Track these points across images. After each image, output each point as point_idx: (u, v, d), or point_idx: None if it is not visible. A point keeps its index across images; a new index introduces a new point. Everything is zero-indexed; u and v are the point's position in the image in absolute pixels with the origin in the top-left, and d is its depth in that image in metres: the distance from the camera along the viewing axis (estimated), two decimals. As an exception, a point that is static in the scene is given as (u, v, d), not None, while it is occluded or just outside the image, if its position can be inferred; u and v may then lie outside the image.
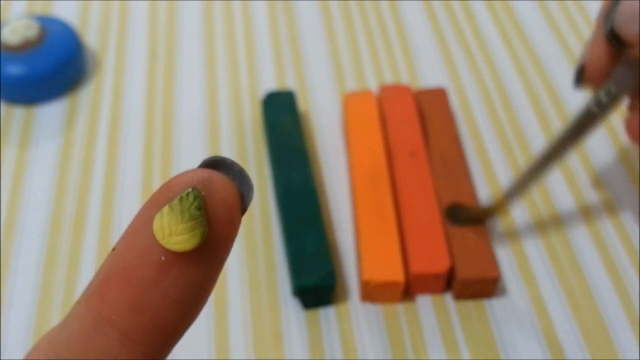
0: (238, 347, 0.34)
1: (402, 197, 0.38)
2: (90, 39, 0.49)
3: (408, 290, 0.36)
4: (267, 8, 0.51)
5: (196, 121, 0.44)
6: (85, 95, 0.45)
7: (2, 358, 0.33)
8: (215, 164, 0.16)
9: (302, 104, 0.44)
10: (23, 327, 0.34)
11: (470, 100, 0.45)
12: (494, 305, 0.35)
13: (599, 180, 0.41)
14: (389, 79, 0.46)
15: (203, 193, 0.15)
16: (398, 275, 0.34)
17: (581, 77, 0.34)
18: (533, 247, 0.38)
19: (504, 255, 0.37)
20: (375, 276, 0.34)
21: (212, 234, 0.15)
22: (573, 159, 0.42)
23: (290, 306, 0.35)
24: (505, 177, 0.41)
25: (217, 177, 0.15)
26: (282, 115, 0.42)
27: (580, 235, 0.38)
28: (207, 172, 0.15)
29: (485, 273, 0.35)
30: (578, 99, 0.44)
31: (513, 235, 0.38)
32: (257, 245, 0.38)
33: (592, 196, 0.40)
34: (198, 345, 0.34)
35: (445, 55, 0.48)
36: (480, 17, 0.51)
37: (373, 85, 0.46)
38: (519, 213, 0.39)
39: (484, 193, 0.40)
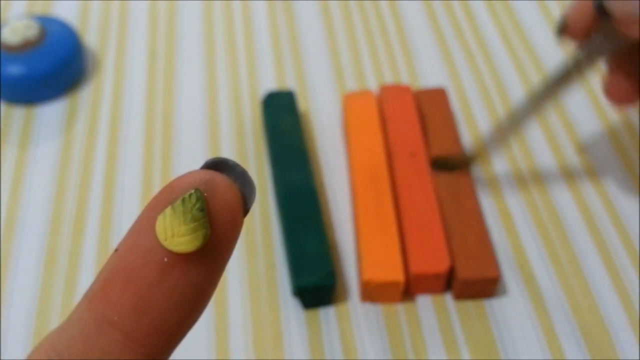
0: (238, 347, 0.34)
1: (402, 197, 0.38)
2: (90, 39, 0.49)
3: (408, 290, 0.36)
4: (267, 8, 0.51)
5: (196, 121, 0.44)
6: (85, 95, 0.45)
7: (2, 358, 0.33)
8: (217, 165, 0.16)
9: (302, 104, 0.44)
10: (23, 327, 0.34)
11: (470, 100, 0.45)
12: (494, 305, 0.35)
13: (599, 180, 0.41)
14: (389, 79, 0.46)
15: (205, 194, 0.15)
16: (398, 275, 0.34)
17: (563, 31, 0.36)
18: (533, 247, 0.38)
19: (504, 255, 0.37)
20: (375, 276, 0.34)
21: (215, 236, 0.15)
22: (573, 158, 0.42)
23: (290, 306, 0.35)
24: (505, 177, 0.41)
25: (219, 179, 0.15)
26: (282, 115, 0.42)
27: (580, 236, 0.38)
28: (210, 174, 0.15)
29: (485, 273, 0.35)
30: (578, 99, 0.44)
31: (513, 235, 0.38)
32: (257, 245, 0.38)
33: (592, 196, 0.40)
34: (198, 346, 0.34)
35: (445, 55, 0.48)
36: (480, 17, 0.51)
37: (373, 85, 0.46)
38: (519, 213, 0.39)
39: (484, 193, 0.40)
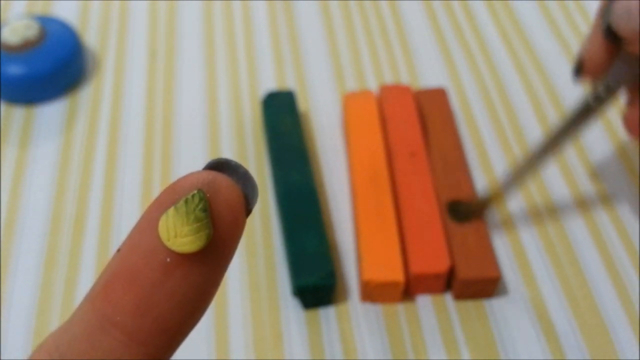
0: (238, 347, 0.34)
1: (402, 197, 0.38)
2: (90, 39, 0.49)
3: (408, 290, 0.36)
4: (267, 8, 0.51)
5: (196, 121, 0.44)
6: (85, 95, 0.45)
7: (2, 358, 0.33)
8: (220, 166, 0.16)
9: (302, 104, 0.44)
10: (23, 327, 0.34)
11: (470, 100, 0.45)
12: (494, 305, 0.35)
13: (600, 181, 0.41)
14: (389, 79, 0.46)
15: (208, 195, 0.15)
16: (398, 275, 0.34)
17: (580, 70, 0.35)
18: (533, 247, 0.38)
19: (504, 255, 0.37)
20: (375, 276, 0.34)
21: (217, 236, 0.15)
22: (574, 160, 0.42)
23: (290, 306, 0.35)
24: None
25: (221, 180, 0.15)
26: (282, 115, 0.42)
27: (580, 235, 0.38)
28: (212, 174, 0.15)
29: (485, 273, 0.35)
30: (577, 99, 0.44)
31: (513, 235, 0.38)
32: (257, 245, 0.38)
33: (592, 196, 0.40)
34: (198, 346, 0.34)
35: (445, 55, 0.48)
36: (480, 17, 0.51)
37: (373, 85, 0.46)
38: (519, 213, 0.39)
39: (484, 193, 0.40)
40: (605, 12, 0.33)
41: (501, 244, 0.38)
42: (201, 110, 0.44)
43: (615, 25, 0.32)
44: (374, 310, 0.35)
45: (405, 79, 0.46)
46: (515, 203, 0.39)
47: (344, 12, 0.51)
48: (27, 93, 0.44)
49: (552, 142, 0.35)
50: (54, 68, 0.44)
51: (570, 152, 0.42)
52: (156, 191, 0.40)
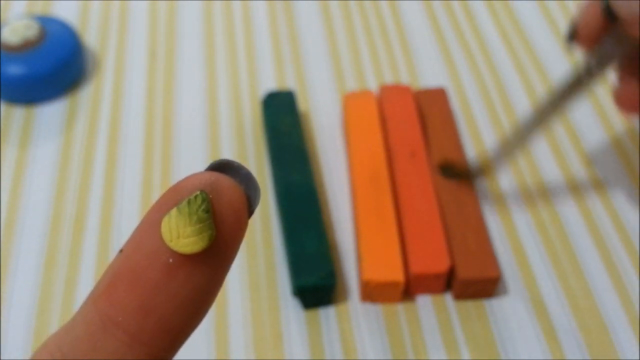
0: (238, 347, 0.34)
1: (402, 197, 0.38)
2: (90, 39, 0.49)
3: (408, 290, 0.36)
4: (267, 8, 0.51)
5: (196, 121, 0.44)
6: (85, 95, 0.45)
7: (2, 358, 0.33)
8: (222, 167, 0.16)
9: (302, 104, 0.44)
10: (23, 327, 0.34)
11: (470, 100, 0.45)
12: (494, 305, 0.35)
13: (599, 181, 0.41)
14: (389, 79, 0.46)
15: (211, 196, 0.15)
16: (398, 275, 0.34)
17: (573, 37, 0.35)
18: (533, 247, 0.38)
19: (504, 255, 0.37)
20: (375, 276, 0.34)
21: (219, 237, 0.15)
22: (574, 160, 0.42)
23: (290, 306, 0.35)
24: (505, 176, 0.41)
25: (224, 180, 0.15)
26: (282, 115, 0.42)
27: (580, 235, 0.38)
28: (215, 175, 0.15)
29: (485, 273, 0.35)
30: (583, 109, 0.44)
31: (513, 235, 0.38)
32: (257, 245, 0.38)
33: (592, 196, 0.40)
34: (198, 345, 0.34)
35: (445, 55, 0.48)
36: (480, 17, 0.51)
37: (373, 85, 0.46)
38: (519, 213, 0.39)
39: (484, 193, 0.40)
40: None
41: (501, 244, 0.38)
42: (201, 110, 0.44)
43: (614, 6, 0.32)
44: (374, 310, 0.35)
45: (405, 79, 0.46)
46: (515, 203, 0.40)
47: (344, 12, 0.51)
48: (27, 93, 0.44)
49: (541, 113, 0.35)
50: (54, 68, 0.44)
51: (570, 151, 0.42)
52: (156, 191, 0.40)
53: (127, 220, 0.39)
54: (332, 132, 0.43)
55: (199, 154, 0.42)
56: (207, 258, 0.15)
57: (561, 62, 0.47)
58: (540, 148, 0.42)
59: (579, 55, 0.36)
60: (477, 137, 0.43)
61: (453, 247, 0.35)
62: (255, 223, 0.38)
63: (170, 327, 0.15)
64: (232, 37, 0.49)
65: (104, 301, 0.15)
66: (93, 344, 0.15)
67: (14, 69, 0.43)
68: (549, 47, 0.49)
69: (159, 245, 0.15)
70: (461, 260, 0.35)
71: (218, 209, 0.15)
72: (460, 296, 0.35)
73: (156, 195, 0.40)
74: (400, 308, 0.35)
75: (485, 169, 0.38)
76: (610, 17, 0.33)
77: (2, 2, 0.52)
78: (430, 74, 0.47)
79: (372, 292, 0.35)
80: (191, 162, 0.41)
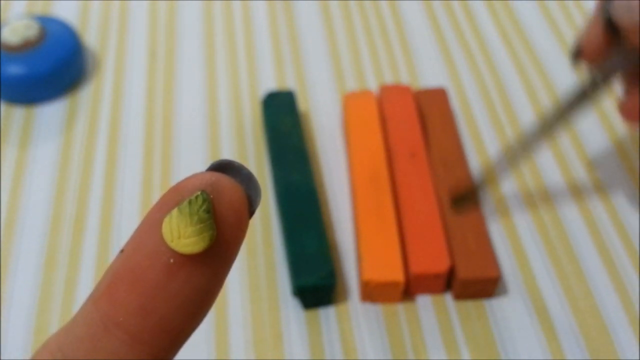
0: (238, 347, 0.34)
1: (402, 197, 0.38)
2: (90, 39, 0.49)
3: (408, 290, 0.36)
4: (267, 8, 0.51)
5: (196, 121, 0.44)
6: (85, 95, 0.45)
7: (2, 358, 0.33)
8: (223, 167, 0.16)
9: (302, 104, 0.44)
10: (23, 327, 0.34)
11: (470, 100, 0.45)
12: (494, 305, 0.35)
13: (599, 181, 0.41)
14: (389, 79, 0.46)
15: (211, 196, 0.15)
16: (398, 275, 0.34)
17: (578, 55, 0.36)
18: (533, 247, 0.38)
19: (504, 255, 0.37)
20: (375, 276, 0.34)
21: (220, 237, 0.15)
22: (574, 160, 0.42)
23: (290, 306, 0.35)
24: (505, 177, 0.41)
25: (225, 181, 0.15)
26: (282, 115, 0.42)
27: (580, 236, 0.38)
28: (216, 176, 0.15)
29: (485, 273, 0.35)
30: (587, 115, 0.44)
31: (513, 235, 0.38)
32: (257, 245, 0.38)
33: (592, 196, 0.40)
34: (198, 345, 0.34)
35: (445, 55, 0.48)
36: (480, 17, 0.51)
37: (373, 85, 0.46)
38: (519, 213, 0.39)
39: (484, 193, 0.40)
40: (605, 4, 0.33)
41: (501, 244, 0.38)
42: (201, 110, 0.44)
43: (616, 17, 0.32)
44: (374, 310, 0.35)
45: (405, 79, 0.46)
46: (515, 203, 0.40)
47: (344, 12, 0.51)
48: (27, 93, 0.44)
49: (546, 125, 0.35)
50: (54, 68, 0.44)
51: (571, 152, 0.42)
52: (156, 191, 0.40)
53: (127, 220, 0.39)
54: (332, 132, 0.43)
55: (199, 154, 0.42)
56: (207, 258, 0.15)
57: (561, 62, 0.47)
58: (542, 150, 0.42)
59: (584, 71, 0.36)
60: (477, 137, 0.43)
61: (453, 247, 0.35)
62: (255, 223, 0.38)
63: (171, 327, 0.15)
64: (232, 37, 0.49)
65: (104, 301, 0.15)
66: (94, 344, 0.15)
67: (14, 69, 0.43)
68: (549, 47, 0.49)
69: (159, 246, 0.15)
70: (461, 260, 0.35)
71: (219, 209, 0.15)
72: (460, 296, 0.35)
73: (156, 195, 0.40)
74: (400, 308, 0.35)
75: (490, 180, 0.38)
76: (613, 29, 0.33)
77: (2, 2, 0.52)
78: (430, 74, 0.47)
79: (372, 292, 0.35)
80: (191, 162, 0.41)
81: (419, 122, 0.41)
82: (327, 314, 0.35)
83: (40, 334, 0.34)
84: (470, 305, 0.35)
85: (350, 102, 0.42)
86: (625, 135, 0.43)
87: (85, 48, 0.48)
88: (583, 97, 0.34)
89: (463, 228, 0.36)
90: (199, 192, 0.15)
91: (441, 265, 0.35)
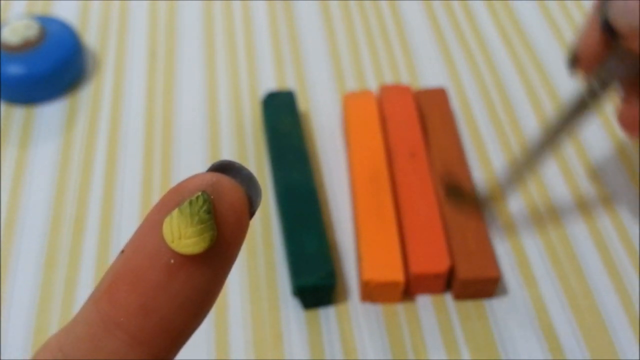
0: (238, 347, 0.34)
1: (402, 197, 0.38)
2: (90, 39, 0.49)
3: (408, 290, 0.36)
4: (267, 8, 0.51)
5: (196, 121, 0.44)
6: (85, 95, 0.45)
7: (2, 358, 0.33)
8: (224, 168, 0.16)
9: (302, 104, 0.44)
10: (23, 327, 0.34)
11: (470, 100, 0.45)
12: (494, 305, 0.35)
13: (600, 181, 0.41)
14: (389, 79, 0.46)
15: (212, 197, 0.15)
16: (398, 275, 0.34)
17: (574, 62, 0.35)
18: (533, 247, 0.38)
19: (504, 255, 0.37)
20: (375, 276, 0.34)
21: (221, 238, 0.15)
22: (574, 161, 0.42)
23: (290, 306, 0.35)
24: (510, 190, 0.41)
25: (225, 181, 0.15)
26: (282, 115, 0.42)
27: (580, 235, 0.38)
28: (216, 176, 0.15)
29: (485, 273, 0.35)
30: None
31: (513, 235, 0.38)
32: (257, 245, 0.38)
33: (592, 196, 0.40)
34: (198, 345, 0.34)
35: (445, 55, 0.48)
36: (480, 17, 0.51)
37: (373, 85, 0.46)
38: (519, 213, 0.39)
39: (485, 195, 0.40)
40: (603, 6, 0.32)
41: (501, 244, 0.38)
42: (201, 110, 0.44)
43: (613, 21, 0.32)
44: (374, 310, 0.35)
45: (405, 79, 0.46)
46: (515, 203, 0.40)
47: (344, 12, 0.51)
48: (27, 93, 0.44)
49: (548, 137, 0.35)
50: (54, 68, 0.44)
51: (570, 152, 0.42)
52: (156, 191, 0.40)
53: (127, 221, 0.39)
54: (332, 132, 0.43)
55: (199, 154, 0.42)
56: (208, 259, 0.15)
57: (561, 62, 0.47)
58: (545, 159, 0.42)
59: (582, 79, 0.35)
60: (477, 137, 0.43)
61: (453, 247, 0.35)
62: (255, 223, 0.38)
63: (172, 327, 0.15)
64: (232, 37, 0.49)
65: (105, 302, 0.15)
66: (94, 344, 0.15)
67: (14, 69, 0.43)
68: (549, 47, 0.49)
69: (160, 246, 0.15)
70: (461, 261, 0.35)
71: (219, 209, 0.15)
72: (460, 296, 0.35)
73: (156, 195, 0.40)
74: (400, 308, 0.35)
75: (495, 196, 0.38)
76: (610, 32, 0.32)
77: (2, 2, 0.52)
78: (430, 74, 0.47)
79: (372, 292, 0.35)
80: (191, 162, 0.41)
81: (419, 122, 0.41)
82: (327, 314, 0.35)
83: (40, 334, 0.34)
84: (470, 305, 0.35)
85: (350, 102, 0.42)
86: (625, 142, 0.43)
87: (85, 48, 0.48)
88: (583, 106, 0.34)
89: (463, 228, 0.36)
90: (199, 193, 0.15)
91: (441, 265, 0.35)
